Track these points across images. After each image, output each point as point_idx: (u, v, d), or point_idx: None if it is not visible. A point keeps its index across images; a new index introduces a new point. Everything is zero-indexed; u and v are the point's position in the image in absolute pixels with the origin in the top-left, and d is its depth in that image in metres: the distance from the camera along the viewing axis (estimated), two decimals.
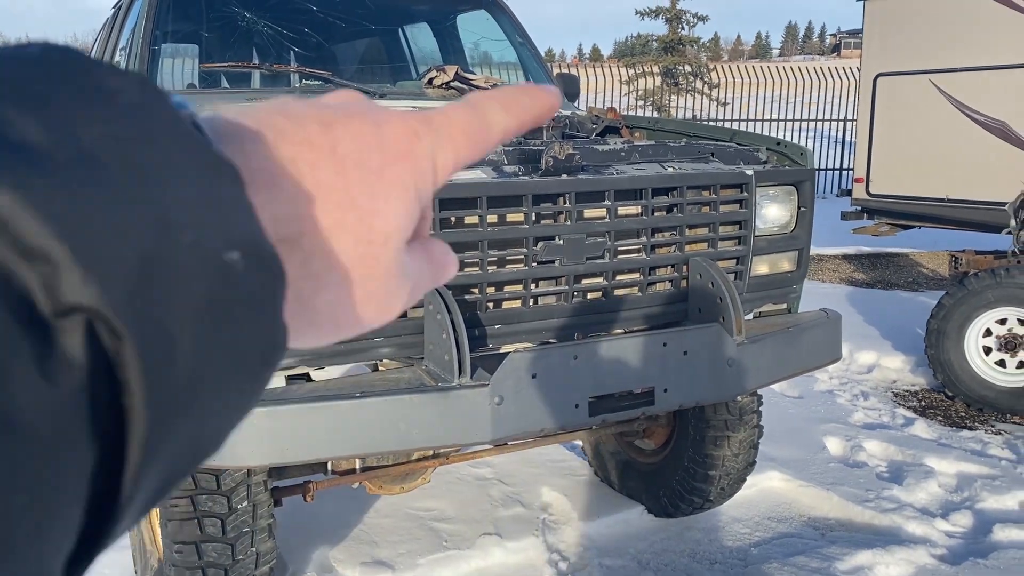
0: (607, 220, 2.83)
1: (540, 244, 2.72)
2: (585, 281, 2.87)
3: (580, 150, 2.84)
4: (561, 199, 2.79)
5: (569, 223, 2.75)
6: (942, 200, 7.36)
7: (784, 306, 3.36)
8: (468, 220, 2.68)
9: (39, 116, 0.24)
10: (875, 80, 8.23)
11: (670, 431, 3.91)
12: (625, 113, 4.46)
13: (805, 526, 4.08)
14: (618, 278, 2.91)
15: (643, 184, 2.87)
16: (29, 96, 0.24)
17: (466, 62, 4.70)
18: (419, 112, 0.39)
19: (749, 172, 3.08)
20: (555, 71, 5.73)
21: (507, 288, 2.76)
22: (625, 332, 2.89)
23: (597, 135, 4.22)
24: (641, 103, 22.76)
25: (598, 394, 2.52)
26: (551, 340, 2.80)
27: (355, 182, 0.33)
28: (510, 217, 2.73)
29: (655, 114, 20.78)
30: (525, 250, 2.71)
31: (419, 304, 2.61)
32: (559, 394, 2.46)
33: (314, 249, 0.32)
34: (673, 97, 22.80)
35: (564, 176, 2.75)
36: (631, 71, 23.07)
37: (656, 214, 2.93)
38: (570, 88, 4.88)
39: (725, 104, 20.58)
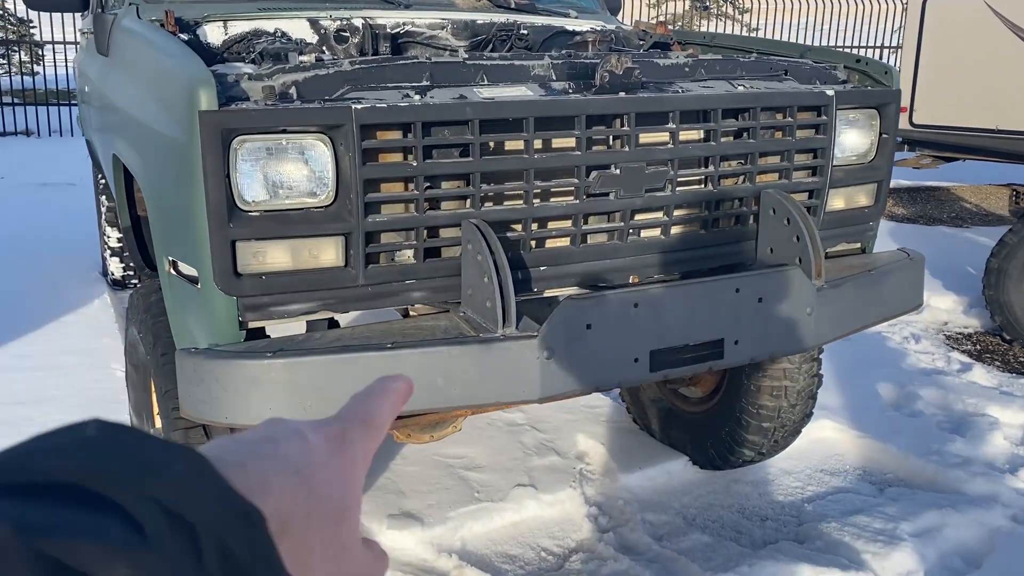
0: (670, 146, 2.46)
1: (593, 174, 2.37)
2: (641, 216, 2.52)
3: (640, 64, 2.46)
4: (618, 121, 2.42)
5: (627, 149, 2.39)
6: (992, 131, 6.89)
7: (858, 245, 3.00)
8: (510, 145, 2.33)
9: (122, 494, 0.32)
10: (924, 4, 7.67)
11: (719, 378, 3.60)
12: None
13: (861, 480, 3.80)
14: (678, 213, 2.56)
15: (712, 104, 2.49)
16: (106, 478, 0.32)
17: None
18: (330, 426, 0.48)
19: (830, 92, 2.69)
20: None
21: (553, 225, 2.42)
22: (687, 276, 2.55)
23: (644, 51, 3.81)
24: (639, 20, 21.87)
25: (660, 346, 2.20)
26: (602, 284, 2.47)
27: (330, 522, 0.44)
28: (556, 142, 2.38)
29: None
30: (576, 181, 2.36)
31: (454, 242, 2.28)
32: (617, 347, 2.14)
33: (318, 552, 0.43)
34: (702, 22, 21.90)
35: (622, 94, 2.38)
36: None
37: (724, 139, 2.56)
38: (612, 1, 4.43)
39: (756, 30, 19.74)
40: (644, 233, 2.54)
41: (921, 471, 3.79)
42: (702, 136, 2.56)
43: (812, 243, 2.46)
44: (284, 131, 2.06)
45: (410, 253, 2.26)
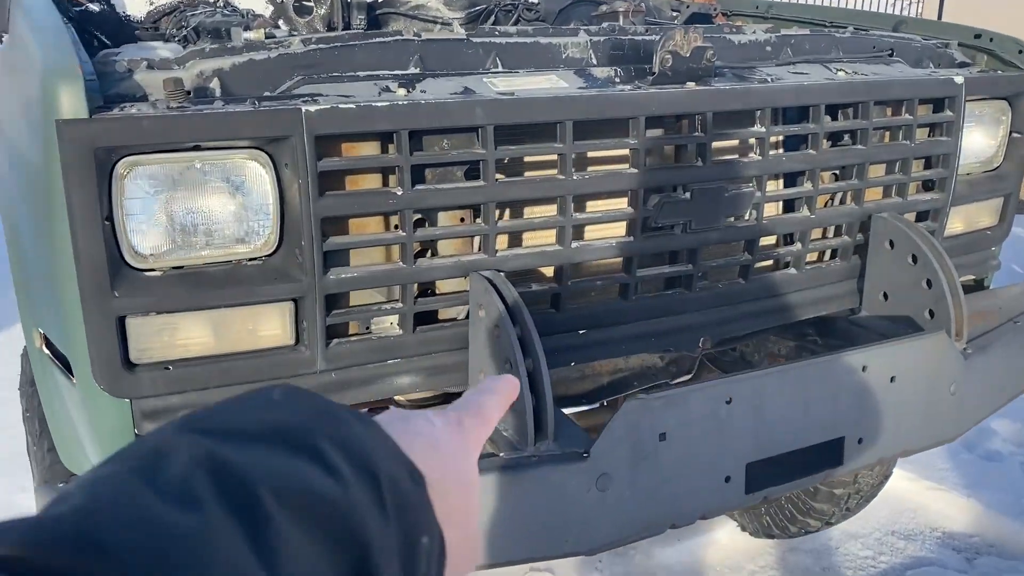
0: (758, 157, 1.76)
1: (654, 199, 1.67)
2: (716, 254, 1.82)
3: (710, 40, 1.75)
4: (685, 123, 1.72)
5: (701, 164, 1.68)
6: None
7: (972, 278, 2.31)
8: (537, 159, 1.62)
9: (316, 444, 0.37)
10: None
11: None
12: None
13: (943, 546, 3.14)
14: (764, 246, 1.86)
15: (815, 98, 1.79)
16: (300, 432, 0.38)
17: None
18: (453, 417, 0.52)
19: (959, 80, 1.99)
20: None
21: (596, 268, 1.72)
22: (779, 334, 1.86)
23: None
24: None
25: (759, 457, 1.51)
26: (666, 351, 1.78)
27: (456, 492, 0.48)
28: (600, 155, 1.67)
29: None
30: (631, 210, 1.66)
31: (458, 301, 1.58)
32: (702, 464, 1.45)
33: (448, 518, 0.45)
34: None
35: (692, 85, 1.67)
36: None
37: (824, 144, 1.86)
38: None
39: None
40: (718, 276, 1.84)
41: (1016, 536, 3.14)
42: (780, 140, 1.86)
43: (952, 291, 1.77)
44: (198, 148, 1.34)
45: (393, 321, 1.56)
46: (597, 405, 2.12)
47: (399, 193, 1.45)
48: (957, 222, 2.17)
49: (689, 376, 2.19)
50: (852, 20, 2.64)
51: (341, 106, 1.37)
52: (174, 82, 1.32)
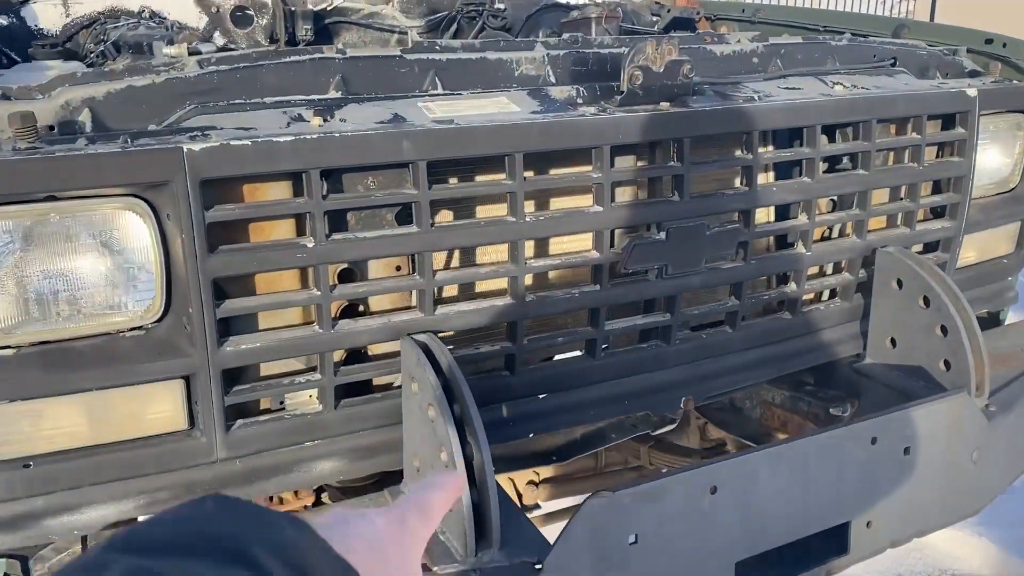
0: (744, 189, 1.51)
1: (624, 241, 1.42)
2: (696, 299, 1.58)
3: (687, 53, 1.51)
4: (659, 151, 1.47)
5: (677, 198, 1.44)
6: None
7: (986, 312, 2.07)
8: (481, 198, 1.37)
9: (249, 551, 0.38)
10: None
11: None
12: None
13: None
14: (753, 292, 1.62)
15: (809, 118, 1.54)
16: (233, 539, 0.39)
17: None
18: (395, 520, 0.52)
19: (971, 93, 1.75)
20: None
21: (558, 322, 1.48)
22: (776, 384, 1.62)
23: (659, 31, 2.86)
24: None
25: (751, 553, 1.26)
26: (639, 415, 1.53)
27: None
28: (560, 193, 1.42)
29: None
30: (596, 254, 1.41)
31: (390, 369, 1.32)
32: (681, 569, 1.20)
33: None
34: None
35: (666, 105, 1.42)
36: None
37: (820, 168, 1.61)
38: None
39: None
40: (700, 325, 1.59)
41: None
42: (767, 164, 1.61)
43: (971, 340, 1.53)
44: (52, 198, 1.09)
45: (312, 394, 1.31)
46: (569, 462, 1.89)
47: (310, 245, 1.19)
48: (970, 251, 1.93)
49: (673, 426, 1.95)
50: (848, 24, 2.40)
51: (234, 143, 1.12)
52: (22, 117, 1.06)
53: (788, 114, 1.53)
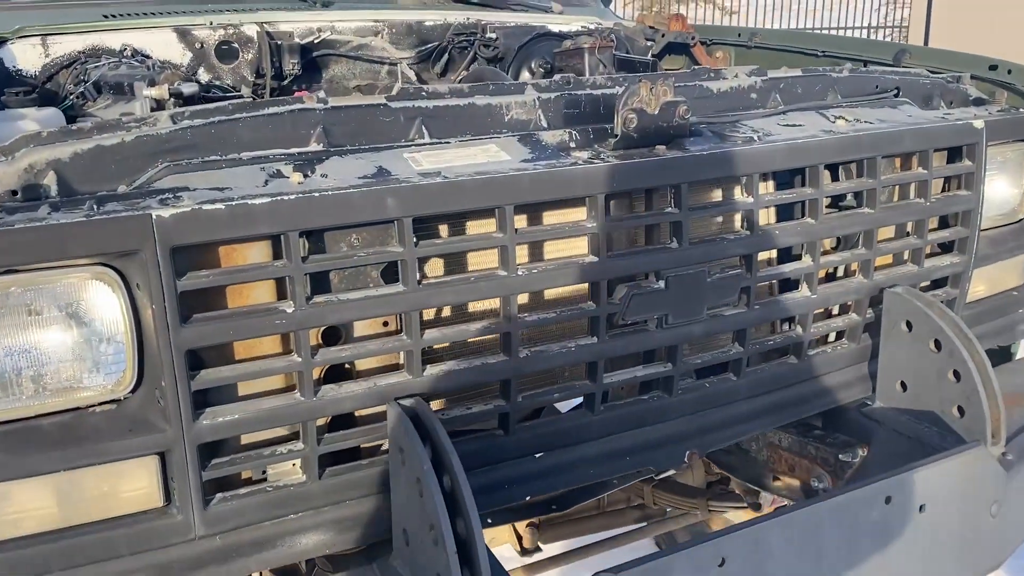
0: (746, 233, 1.45)
1: (621, 291, 1.36)
2: (698, 347, 1.52)
3: (683, 92, 1.45)
4: (655, 196, 1.41)
5: (676, 245, 1.38)
6: None
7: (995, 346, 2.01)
8: (472, 252, 1.31)
9: None
10: None
11: None
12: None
13: None
14: (757, 338, 1.55)
15: (813, 157, 1.48)
16: None
17: None
18: None
19: (978, 124, 1.69)
20: None
21: (553, 376, 1.41)
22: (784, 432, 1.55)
23: (654, 56, 2.81)
24: (644, 13, 20.78)
25: None
26: (638, 469, 1.46)
27: None
28: (553, 242, 1.36)
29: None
30: (592, 305, 1.35)
31: (378, 436, 1.26)
32: None
33: None
34: (677, 6, 20.86)
35: (661, 148, 1.37)
36: None
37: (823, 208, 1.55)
38: None
39: (734, 14, 18.72)
40: (703, 374, 1.53)
41: None
42: (766, 203, 1.55)
43: (986, 386, 1.47)
44: (12, 271, 1.03)
45: (295, 465, 1.24)
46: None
47: (289, 311, 1.13)
48: (979, 285, 1.87)
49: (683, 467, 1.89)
50: (846, 48, 2.35)
51: (206, 207, 1.06)
52: None
53: (790, 155, 1.47)
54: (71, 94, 2.03)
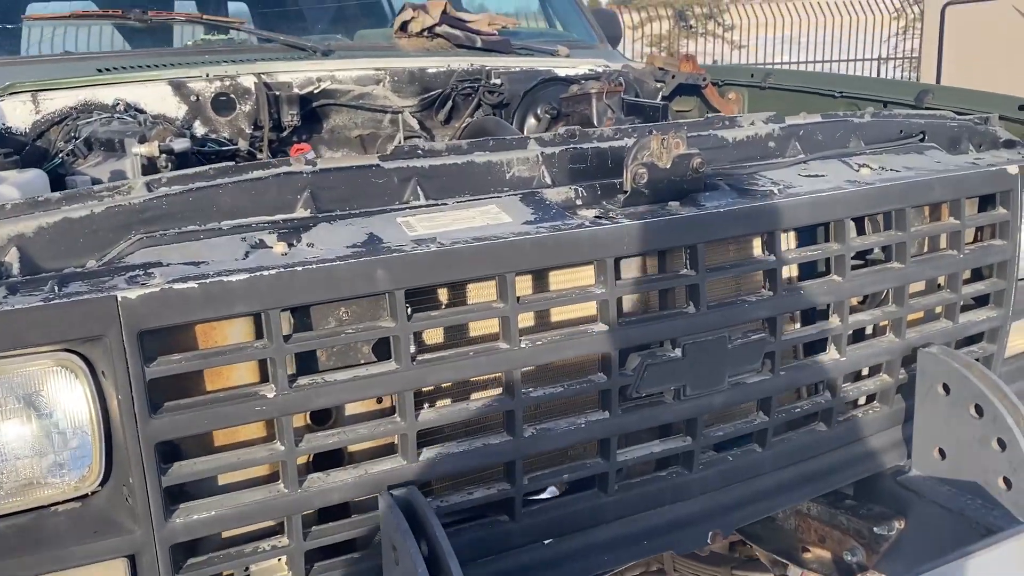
0: (768, 294, 1.35)
1: (634, 361, 1.25)
2: (719, 417, 1.40)
3: (697, 142, 1.36)
4: (670, 256, 1.31)
5: (693, 310, 1.27)
6: None
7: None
8: (471, 322, 1.21)
9: None
10: (943, 10, 6.72)
11: None
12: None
13: None
14: (783, 406, 1.44)
15: (838, 211, 1.38)
16: None
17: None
18: None
19: (1013, 171, 1.59)
20: None
21: (562, 455, 1.30)
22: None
23: (664, 98, 2.73)
24: (653, 49, 20.86)
25: None
26: (663, 552, 1.35)
27: None
28: (558, 309, 1.26)
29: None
30: (603, 378, 1.24)
31: (371, 526, 1.15)
32: None
33: None
34: (686, 41, 20.98)
35: (675, 205, 1.27)
36: (639, 15, 21.16)
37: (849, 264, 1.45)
38: (609, 30, 3.34)
39: (742, 47, 18.78)
40: (725, 448, 1.42)
41: None
42: (790, 261, 1.45)
43: None
44: None
45: (280, 562, 1.13)
46: None
47: (271, 396, 1.03)
48: (1018, 338, 1.75)
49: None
50: (864, 88, 2.26)
51: (177, 286, 0.97)
52: None
53: (814, 209, 1.37)
54: (61, 151, 1.97)
